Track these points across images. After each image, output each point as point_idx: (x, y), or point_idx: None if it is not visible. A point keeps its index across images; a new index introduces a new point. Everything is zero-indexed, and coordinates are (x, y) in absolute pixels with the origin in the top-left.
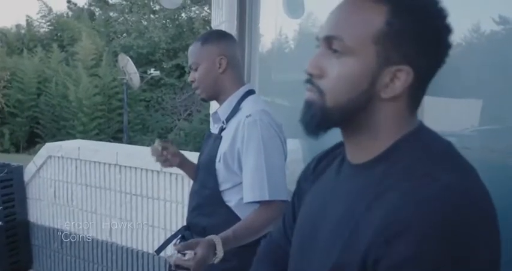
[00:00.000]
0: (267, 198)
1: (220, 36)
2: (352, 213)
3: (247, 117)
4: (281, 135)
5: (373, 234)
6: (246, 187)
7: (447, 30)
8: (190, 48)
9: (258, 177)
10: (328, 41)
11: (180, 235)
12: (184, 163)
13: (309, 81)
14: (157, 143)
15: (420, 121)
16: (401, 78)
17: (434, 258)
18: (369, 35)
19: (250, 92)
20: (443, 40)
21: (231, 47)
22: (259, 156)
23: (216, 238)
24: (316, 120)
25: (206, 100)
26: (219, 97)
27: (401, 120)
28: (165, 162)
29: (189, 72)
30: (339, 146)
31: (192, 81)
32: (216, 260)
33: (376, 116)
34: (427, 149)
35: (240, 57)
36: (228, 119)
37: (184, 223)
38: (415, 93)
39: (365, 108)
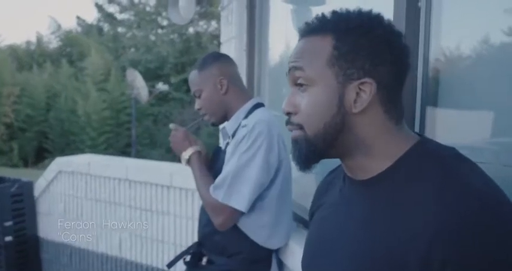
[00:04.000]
0: (219, 199)
1: (215, 58)
2: (374, 227)
3: (242, 127)
4: (272, 147)
5: (424, 249)
6: (215, 183)
7: (390, 35)
8: (190, 77)
9: (224, 180)
10: (292, 73)
11: (191, 251)
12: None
13: (288, 120)
14: (172, 126)
15: (420, 134)
16: (366, 89)
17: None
18: (322, 61)
19: (258, 106)
20: (391, 45)
21: (227, 66)
22: (234, 164)
23: (196, 151)
24: (304, 153)
25: (217, 124)
26: (228, 117)
27: (387, 132)
28: None
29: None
30: None
31: (199, 109)
32: (182, 158)
33: (357, 133)
34: (437, 157)
35: (238, 73)
36: (233, 134)
37: (195, 239)
38: (387, 100)
39: (343, 129)
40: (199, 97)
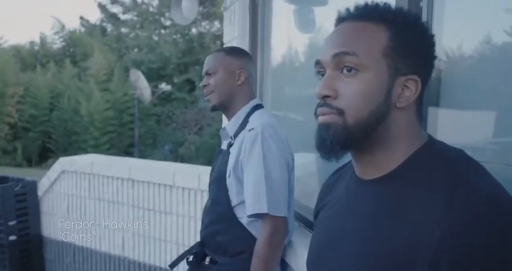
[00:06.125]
0: (265, 211)
1: (244, 52)
2: (380, 226)
3: (249, 130)
4: (285, 148)
5: (432, 250)
6: (248, 201)
7: (434, 42)
8: (210, 56)
9: (258, 191)
10: (340, 57)
11: (194, 251)
12: None
13: (325, 103)
14: None
15: (429, 134)
16: (411, 87)
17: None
18: (378, 49)
19: (258, 107)
20: (433, 51)
21: (251, 65)
22: (259, 171)
23: None
24: (340, 140)
25: (215, 108)
26: (228, 108)
27: (412, 131)
28: None
29: (201, 80)
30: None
31: (205, 86)
32: None
33: (392, 127)
34: (446, 159)
35: (255, 78)
36: (235, 135)
37: (197, 238)
38: (420, 100)
39: (383, 120)
40: (210, 75)
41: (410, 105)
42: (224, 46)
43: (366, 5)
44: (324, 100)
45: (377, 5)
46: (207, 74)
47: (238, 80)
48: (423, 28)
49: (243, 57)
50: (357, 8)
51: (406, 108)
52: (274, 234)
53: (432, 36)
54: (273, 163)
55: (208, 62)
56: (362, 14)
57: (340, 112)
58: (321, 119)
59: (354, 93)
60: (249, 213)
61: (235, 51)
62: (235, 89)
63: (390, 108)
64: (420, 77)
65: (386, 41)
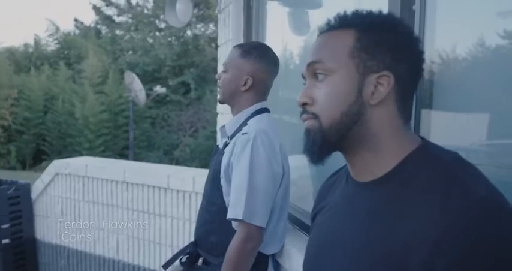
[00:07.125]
0: (240, 217)
1: (262, 53)
2: (375, 230)
3: (243, 134)
4: (275, 157)
5: (426, 253)
6: (230, 204)
7: (413, 36)
8: (232, 51)
9: (238, 196)
10: (311, 67)
11: (187, 251)
12: None
13: (304, 110)
14: None
15: (423, 137)
16: (384, 83)
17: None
18: (344, 52)
19: (261, 111)
20: (413, 45)
21: (264, 68)
22: (243, 176)
23: None
24: (317, 143)
25: (222, 103)
26: (231, 106)
27: (396, 130)
28: None
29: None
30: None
31: (218, 79)
32: None
33: (370, 126)
34: (441, 162)
35: (271, 78)
36: (233, 136)
37: (192, 240)
38: (401, 98)
39: (358, 119)
40: (225, 71)
41: (386, 102)
42: (245, 42)
43: (337, 15)
44: (303, 107)
45: (346, 13)
46: (223, 68)
47: (243, 85)
48: (393, 25)
49: (256, 61)
50: (329, 20)
51: (382, 106)
52: (246, 241)
53: (405, 32)
54: (259, 172)
55: (228, 56)
56: (334, 24)
57: (315, 116)
58: (304, 125)
59: (325, 97)
60: (227, 217)
61: (251, 53)
62: (238, 92)
63: (364, 107)
64: (394, 72)
65: (352, 43)
